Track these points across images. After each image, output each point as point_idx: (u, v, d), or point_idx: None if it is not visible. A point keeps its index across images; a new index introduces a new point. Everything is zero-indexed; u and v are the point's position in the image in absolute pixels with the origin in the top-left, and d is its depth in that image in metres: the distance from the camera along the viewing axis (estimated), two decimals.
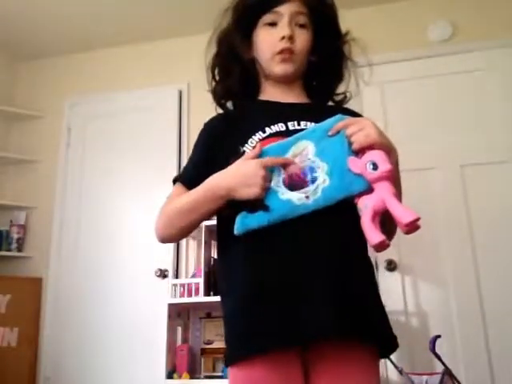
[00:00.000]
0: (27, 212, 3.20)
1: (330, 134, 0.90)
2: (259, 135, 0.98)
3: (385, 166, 0.83)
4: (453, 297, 2.48)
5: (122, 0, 2.93)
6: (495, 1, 2.79)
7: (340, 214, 0.89)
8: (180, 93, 3.16)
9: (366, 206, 0.84)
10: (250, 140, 0.98)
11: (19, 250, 3.12)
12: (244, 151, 0.97)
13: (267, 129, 0.98)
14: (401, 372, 2.10)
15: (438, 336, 2.07)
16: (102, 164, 3.17)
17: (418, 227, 0.80)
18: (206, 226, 2.41)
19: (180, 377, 2.34)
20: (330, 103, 1.14)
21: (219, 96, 1.12)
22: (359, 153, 0.88)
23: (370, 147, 0.87)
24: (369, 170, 0.84)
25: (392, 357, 2.14)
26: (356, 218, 0.89)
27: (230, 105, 1.14)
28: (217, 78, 1.12)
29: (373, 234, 0.81)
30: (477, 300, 2.44)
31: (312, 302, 0.84)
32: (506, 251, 2.46)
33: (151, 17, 3.07)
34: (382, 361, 2.18)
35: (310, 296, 0.85)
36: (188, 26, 3.09)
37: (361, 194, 0.86)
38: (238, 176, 0.90)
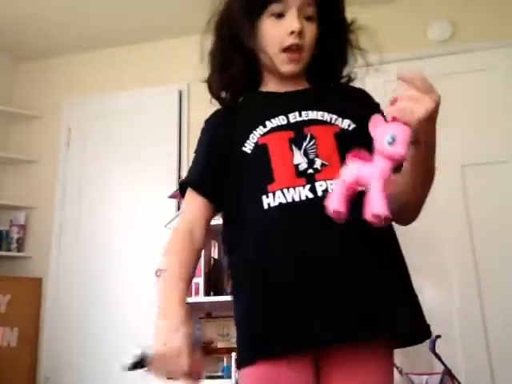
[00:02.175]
0: (27, 212, 3.20)
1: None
2: (260, 130, 0.96)
3: (400, 148, 0.71)
4: (453, 297, 2.48)
5: (121, 0, 2.93)
6: (495, 1, 2.79)
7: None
8: (180, 93, 3.16)
9: (351, 171, 0.75)
10: (251, 135, 0.96)
11: (19, 250, 3.12)
12: (245, 152, 0.95)
13: (268, 123, 0.96)
14: (401, 372, 2.10)
15: (438, 336, 2.07)
16: (101, 164, 3.17)
17: (380, 223, 0.72)
18: None
19: None
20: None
21: (220, 87, 1.06)
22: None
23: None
24: (385, 141, 0.72)
25: None
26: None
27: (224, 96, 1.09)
28: (217, 68, 1.05)
29: (334, 198, 0.74)
30: (477, 300, 2.44)
31: (327, 304, 0.83)
32: (506, 251, 2.46)
33: (151, 17, 3.07)
34: None
35: (325, 298, 0.84)
36: (188, 26, 3.08)
37: (359, 153, 0.76)
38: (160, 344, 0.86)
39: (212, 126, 1.06)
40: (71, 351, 2.88)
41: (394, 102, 0.74)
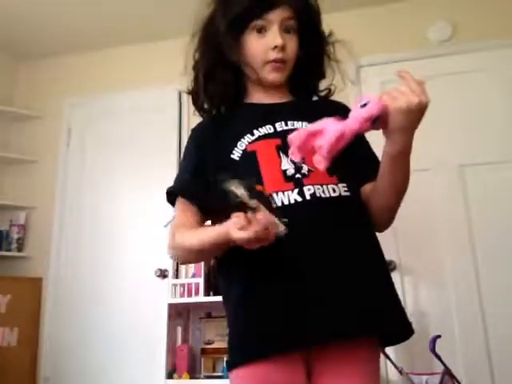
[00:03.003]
0: (27, 212, 3.20)
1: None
2: (248, 138, 0.99)
3: (365, 111, 0.79)
4: (453, 297, 2.48)
5: (121, 0, 2.93)
6: (495, 1, 2.79)
7: (340, 208, 0.92)
8: (180, 93, 3.16)
9: (320, 122, 0.82)
10: (240, 143, 0.99)
11: (19, 250, 3.12)
12: (233, 159, 0.97)
13: (255, 131, 0.99)
14: (401, 372, 2.10)
15: (438, 336, 2.07)
16: (101, 164, 3.17)
17: (323, 158, 0.79)
18: None
19: (180, 377, 2.34)
20: (314, 98, 1.14)
21: (206, 101, 1.08)
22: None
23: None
24: (359, 104, 0.81)
25: (392, 357, 2.14)
26: (357, 214, 0.92)
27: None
28: (202, 82, 1.07)
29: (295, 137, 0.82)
30: (477, 300, 2.43)
31: (314, 304, 0.85)
32: (505, 251, 2.46)
33: (151, 17, 3.07)
34: (382, 361, 2.18)
35: (313, 299, 0.85)
36: (188, 26, 3.08)
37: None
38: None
39: (199, 135, 1.08)
40: (71, 351, 2.88)
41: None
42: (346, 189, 0.94)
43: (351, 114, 0.81)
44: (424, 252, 2.56)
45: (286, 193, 0.92)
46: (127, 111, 3.22)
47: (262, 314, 0.87)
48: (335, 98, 1.15)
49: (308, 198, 0.92)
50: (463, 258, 2.50)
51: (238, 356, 0.89)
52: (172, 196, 1.06)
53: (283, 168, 0.95)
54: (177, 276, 2.79)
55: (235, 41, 1.03)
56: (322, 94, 1.12)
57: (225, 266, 0.98)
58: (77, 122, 3.33)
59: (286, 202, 0.91)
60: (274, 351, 0.85)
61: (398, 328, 0.92)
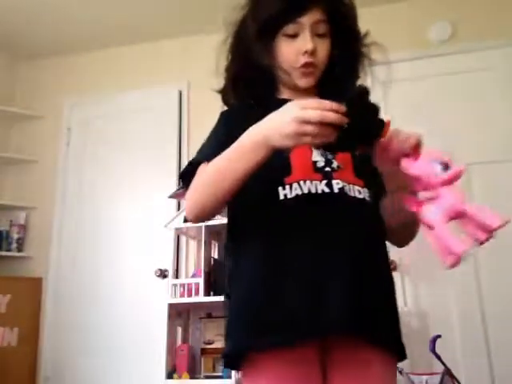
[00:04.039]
0: (27, 212, 3.20)
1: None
2: None
3: (457, 165, 0.71)
4: (453, 297, 2.48)
5: (121, 0, 2.93)
6: (495, 1, 2.79)
7: (364, 210, 0.92)
8: (180, 93, 3.16)
9: (436, 214, 0.72)
10: None
11: (19, 250, 3.12)
12: None
13: None
14: (401, 372, 2.10)
15: (438, 336, 2.07)
16: (101, 164, 3.17)
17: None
18: (206, 226, 2.40)
19: (180, 377, 2.33)
20: None
21: (233, 99, 1.08)
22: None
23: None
24: (437, 171, 0.72)
25: None
26: (377, 221, 0.94)
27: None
28: (230, 81, 1.08)
29: (456, 242, 0.69)
30: (477, 300, 2.44)
31: (333, 296, 0.84)
32: (506, 251, 2.46)
33: (151, 17, 3.07)
34: None
35: (331, 290, 0.85)
36: (188, 26, 3.08)
37: (418, 201, 0.75)
38: (272, 121, 0.84)
39: (230, 118, 1.06)
40: (71, 351, 2.88)
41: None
42: (368, 195, 0.95)
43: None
44: (424, 252, 2.55)
45: (314, 182, 0.92)
46: (127, 111, 3.22)
47: (284, 299, 0.86)
48: None
49: (336, 191, 0.91)
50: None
51: (257, 341, 0.86)
52: (188, 173, 1.01)
53: (314, 159, 0.94)
54: (177, 276, 2.79)
55: (266, 45, 1.02)
56: None
57: (239, 255, 0.96)
58: (77, 121, 3.33)
59: (313, 191, 0.91)
60: (300, 338, 0.84)
61: (397, 348, 0.96)
